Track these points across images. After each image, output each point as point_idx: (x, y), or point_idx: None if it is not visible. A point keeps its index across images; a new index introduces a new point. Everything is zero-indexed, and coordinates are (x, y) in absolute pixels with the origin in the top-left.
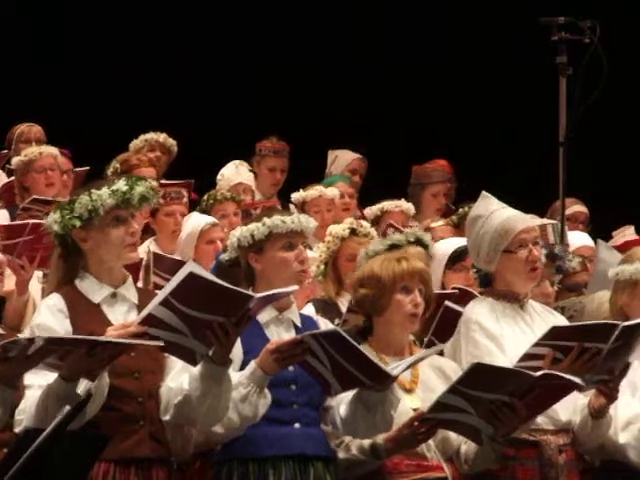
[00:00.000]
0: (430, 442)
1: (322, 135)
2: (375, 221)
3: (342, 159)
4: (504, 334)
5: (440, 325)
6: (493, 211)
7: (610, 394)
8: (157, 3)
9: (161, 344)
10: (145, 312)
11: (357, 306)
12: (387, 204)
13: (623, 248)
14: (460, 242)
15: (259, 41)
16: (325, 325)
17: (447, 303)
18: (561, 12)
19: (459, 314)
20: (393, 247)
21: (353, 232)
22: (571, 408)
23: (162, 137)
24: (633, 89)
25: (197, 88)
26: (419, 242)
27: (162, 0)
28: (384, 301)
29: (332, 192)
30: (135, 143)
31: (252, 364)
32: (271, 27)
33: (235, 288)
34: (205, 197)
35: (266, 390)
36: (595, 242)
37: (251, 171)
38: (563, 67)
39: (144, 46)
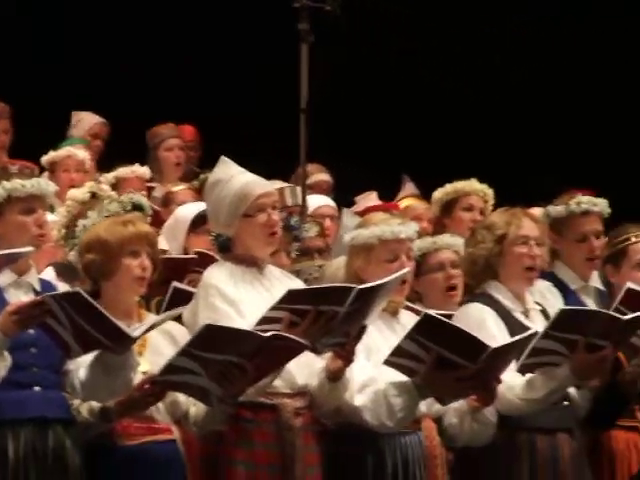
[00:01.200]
0: (159, 405)
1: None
2: (112, 188)
3: (85, 122)
4: (243, 298)
5: (170, 306)
6: (233, 175)
7: (347, 357)
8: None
9: None
10: None
11: (84, 271)
12: (122, 170)
13: (365, 214)
14: (202, 206)
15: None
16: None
17: (175, 284)
18: None
19: (189, 294)
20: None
21: (94, 196)
22: (308, 371)
23: None
24: (374, 56)
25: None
26: (137, 208)
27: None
28: (112, 265)
29: (82, 154)
30: None
31: None
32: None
33: None
34: None
35: (6, 353)
36: (339, 208)
37: None
38: (305, 34)
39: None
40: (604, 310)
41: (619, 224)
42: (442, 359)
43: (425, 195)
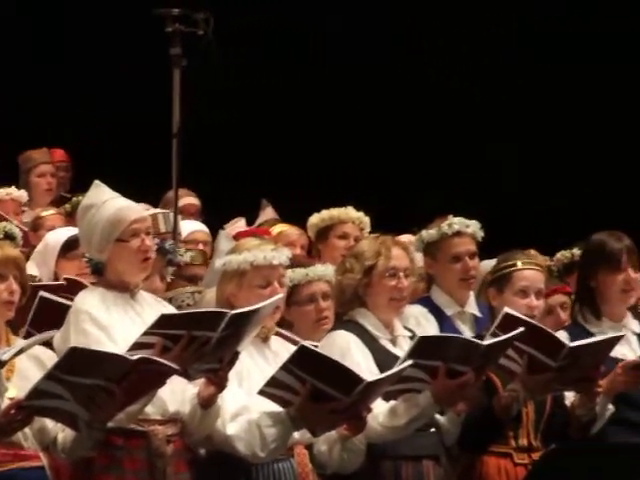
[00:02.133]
0: (27, 431)
1: None
2: None
3: None
4: (114, 324)
5: (37, 316)
6: (106, 200)
7: (219, 383)
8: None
9: None
10: None
11: None
12: None
13: (237, 239)
14: (73, 231)
15: None
16: None
17: (42, 294)
18: (175, 4)
19: (56, 304)
20: None
21: None
22: (180, 398)
23: None
24: (247, 81)
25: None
26: (9, 237)
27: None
28: None
29: None
30: None
31: None
32: None
33: None
34: None
35: None
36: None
37: None
38: (177, 58)
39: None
40: (463, 336)
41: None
42: (317, 391)
43: (296, 220)
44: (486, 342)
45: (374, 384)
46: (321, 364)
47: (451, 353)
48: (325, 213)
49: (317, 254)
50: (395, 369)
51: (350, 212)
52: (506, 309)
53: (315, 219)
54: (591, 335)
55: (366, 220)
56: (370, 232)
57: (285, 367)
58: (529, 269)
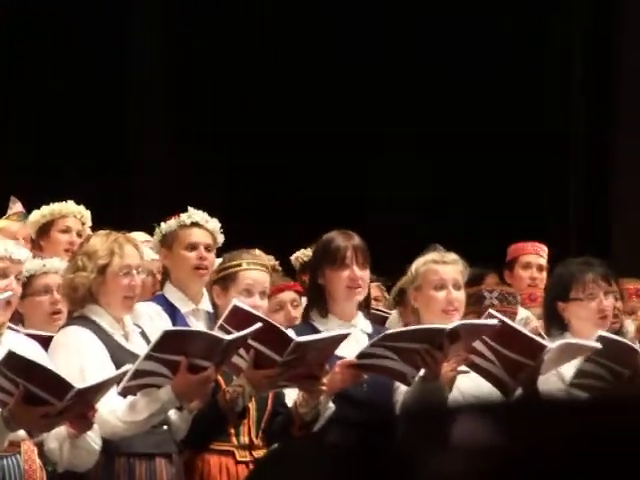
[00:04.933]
0: None
1: None
2: None
3: None
4: None
5: None
6: None
7: None
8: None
9: None
10: None
11: None
12: None
13: None
14: None
15: None
16: None
17: None
18: None
19: None
20: None
21: None
22: None
23: None
24: None
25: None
26: None
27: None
28: None
29: None
30: None
31: None
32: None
33: None
34: None
35: None
36: None
37: None
38: None
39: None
40: (207, 331)
41: None
42: (30, 394)
43: None
44: (229, 337)
45: (86, 390)
46: (32, 369)
47: (194, 348)
48: (45, 209)
49: (39, 251)
50: (108, 376)
51: (70, 206)
52: (235, 301)
53: (35, 216)
54: (319, 333)
55: (87, 214)
56: (91, 227)
57: None
58: (254, 269)
